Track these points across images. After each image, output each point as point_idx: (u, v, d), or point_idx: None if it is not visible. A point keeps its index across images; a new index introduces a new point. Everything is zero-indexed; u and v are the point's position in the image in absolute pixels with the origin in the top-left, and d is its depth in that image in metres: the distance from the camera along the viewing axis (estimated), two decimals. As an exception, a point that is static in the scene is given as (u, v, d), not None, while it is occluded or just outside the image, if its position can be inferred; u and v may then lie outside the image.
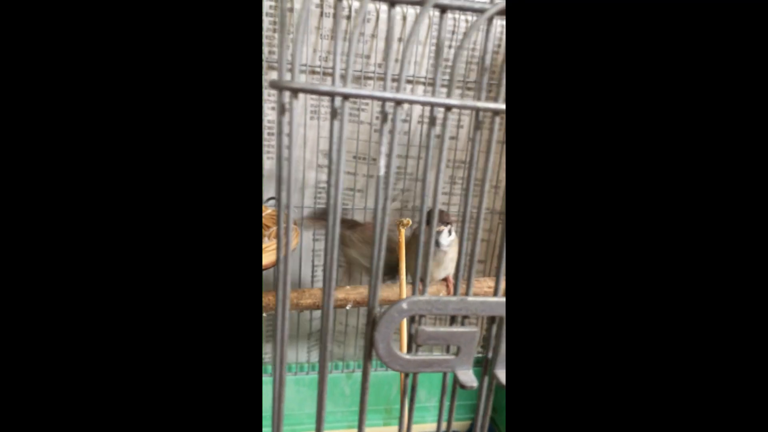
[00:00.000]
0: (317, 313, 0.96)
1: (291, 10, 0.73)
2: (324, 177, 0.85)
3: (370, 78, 0.80)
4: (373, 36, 0.78)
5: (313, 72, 0.78)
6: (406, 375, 0.25)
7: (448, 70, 0.81)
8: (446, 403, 0.27)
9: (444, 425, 0.27)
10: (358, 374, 0.98)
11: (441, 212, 0.73)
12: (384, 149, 0.22)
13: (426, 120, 0.86)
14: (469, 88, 0.82)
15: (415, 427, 0.28)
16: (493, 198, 0.89)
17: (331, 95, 0.20)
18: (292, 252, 0.78)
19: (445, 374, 0.26)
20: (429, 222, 0.75)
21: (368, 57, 0.80)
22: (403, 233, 0.65)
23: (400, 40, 0.79)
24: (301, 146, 0.82)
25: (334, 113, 0.21)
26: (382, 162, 0.22)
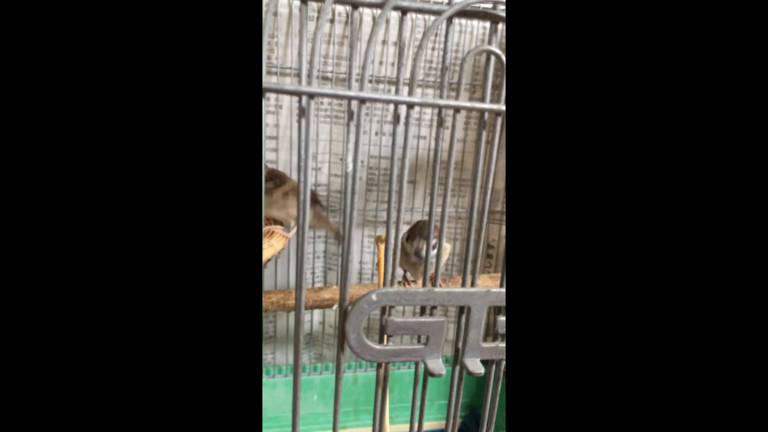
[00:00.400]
0: (307, 316, 0.96)
1: (276, 14, 0.74)
2: (311, 179, 0.85)
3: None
4: (357, 39, 0.79)
5: (297, 75, 0.79)
6: (379, 365, 0.26)
7: (438, 73, 0.82)
8: (437, 401, 0.27)
9: (437, 423, 0.27)
10: (348, 375, 0.98)
11: (425, 224, 0.74)
12: (351, 146, 0.23)
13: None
14: (453, 89, 0.83)
15: (405, 427, 0.29)
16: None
17: (297, 94, 0.21)
18: (279, 254, 0.77)
19: (417, 365, 0.27)
20: (411, 235, 0.75)
21: (381, 62, 0.82)
22: (382, 249, 0.66)
23: (383, 42, 0.80)
24: (288, 149, 0.83)
25: (301, 112, 0.22)
26: (350, 158, 0.23)
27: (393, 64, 0.80)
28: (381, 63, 0.81)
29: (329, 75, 0.79)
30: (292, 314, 0.93)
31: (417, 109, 0.87)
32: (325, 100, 0.81)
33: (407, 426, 0.29)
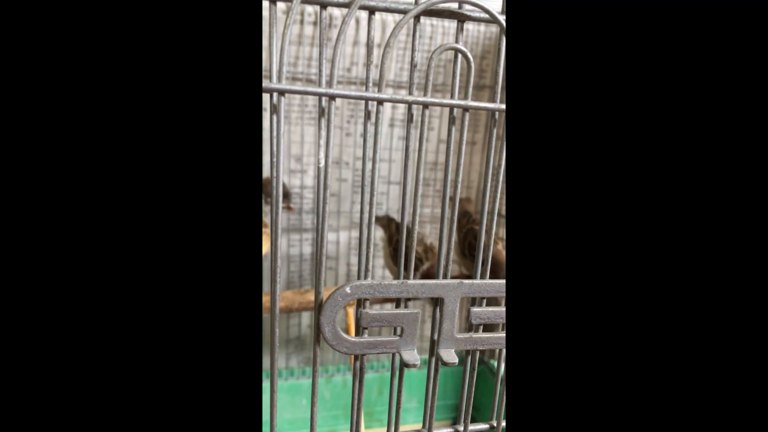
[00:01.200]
0: (294, 320, 0.96)
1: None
2: (297, 181, 0.86)
3: (353, 83, 0.82)
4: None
5: (295, 78, 0.80)
6: (356, 358, 0.27)
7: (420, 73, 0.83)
8: (426, 401, 0.28)
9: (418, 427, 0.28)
10: (338, 378, 0.98)
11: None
12: (323, 142, 0.23)
13: (395, 123, 0.88)
14: (437, 90, 0.85)
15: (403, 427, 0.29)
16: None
17: (267, 91, 0.22)
18: (265, 257, 0.78)
19: (393, 356, 0.27)
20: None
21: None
22: (350, 312, 0.64)
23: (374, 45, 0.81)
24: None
25: (272, 109, 0.22)
26: (322, 154, 0.23)
27: (377, 66, 0.81)
28: (364, 65, 0.82)
29: (313, 77, 0.79)
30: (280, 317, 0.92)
31: (402, 110, 0.88)
32: (310, 102, 0.82)
33: (404, 426, 0.29)
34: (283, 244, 0.89)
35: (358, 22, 0.79)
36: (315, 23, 0.77)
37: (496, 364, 0.93)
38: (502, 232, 0.89)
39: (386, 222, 0.79)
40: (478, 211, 0.94)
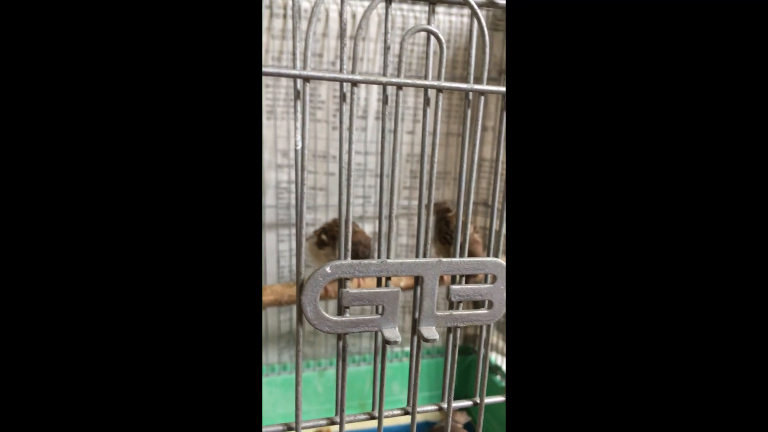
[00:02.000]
0: (285, 315, 0.96)
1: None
2: (284, 177, 0.86)
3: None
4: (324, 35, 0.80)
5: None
6: (338, 338, 0.27)
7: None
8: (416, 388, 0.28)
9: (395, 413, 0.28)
10: (331, 372, 0.99)
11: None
12: (299, 124, 0.24)
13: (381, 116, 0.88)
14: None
15: (386, 420, 0.30)
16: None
17: (243, 74, 0.22)
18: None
19: (376, 335, 0.28)
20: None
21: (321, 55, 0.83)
22: None
23: (363, 39, 0.81)
24: (264, 149, 0.83)
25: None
26: (298, 136, 0.24)
27: (350, 58, 0.81)
28: (361, 60, 0.82)
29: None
30: (269, 311, 0.93)
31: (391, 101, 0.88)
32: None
33: (393, 420, 0.29)
34: (272, 239, 0.89)
35: (327, 14, 0.79)
36: (285, 16, 0.77)
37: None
38: (478, 221, 0.90)
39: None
40: (445, 200, 0.95)
